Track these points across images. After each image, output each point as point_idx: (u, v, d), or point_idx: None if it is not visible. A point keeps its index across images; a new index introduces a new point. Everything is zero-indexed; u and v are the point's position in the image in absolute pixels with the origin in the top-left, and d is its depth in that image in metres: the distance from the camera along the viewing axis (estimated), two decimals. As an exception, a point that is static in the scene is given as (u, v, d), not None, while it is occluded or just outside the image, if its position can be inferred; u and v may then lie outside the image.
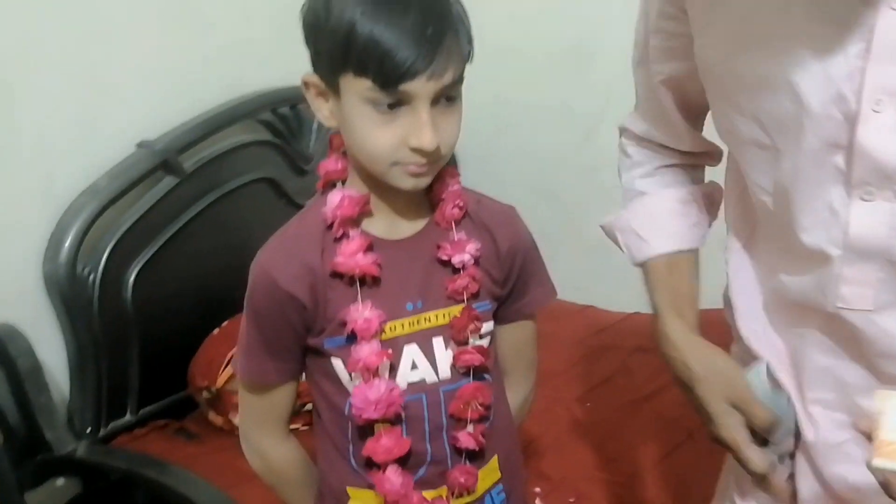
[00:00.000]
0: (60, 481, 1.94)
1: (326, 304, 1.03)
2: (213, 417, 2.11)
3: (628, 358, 2.29)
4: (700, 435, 1.94)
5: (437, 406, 1.07)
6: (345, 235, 1.03)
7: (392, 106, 0.93)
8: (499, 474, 1.13)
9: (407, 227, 1.07)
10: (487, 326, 1.09)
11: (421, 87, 0.92)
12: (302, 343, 1.07)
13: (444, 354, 1.07)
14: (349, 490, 1.09)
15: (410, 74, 0.91)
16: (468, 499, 1.09)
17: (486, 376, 1.10)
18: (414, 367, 1.05)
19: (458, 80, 0.96)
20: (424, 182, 1.01)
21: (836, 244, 0.85)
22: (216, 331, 2.14)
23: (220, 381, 2.05)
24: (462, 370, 1.07)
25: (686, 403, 2.17)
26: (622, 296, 2.66)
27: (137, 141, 2.07)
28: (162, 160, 2.06)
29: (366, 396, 1.02)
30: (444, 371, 1.07)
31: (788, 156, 0.86)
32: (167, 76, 2.15)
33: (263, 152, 2.35)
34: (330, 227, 1.03)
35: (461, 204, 1.07)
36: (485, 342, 1.09)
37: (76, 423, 1.97)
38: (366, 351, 1.01)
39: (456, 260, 1.05)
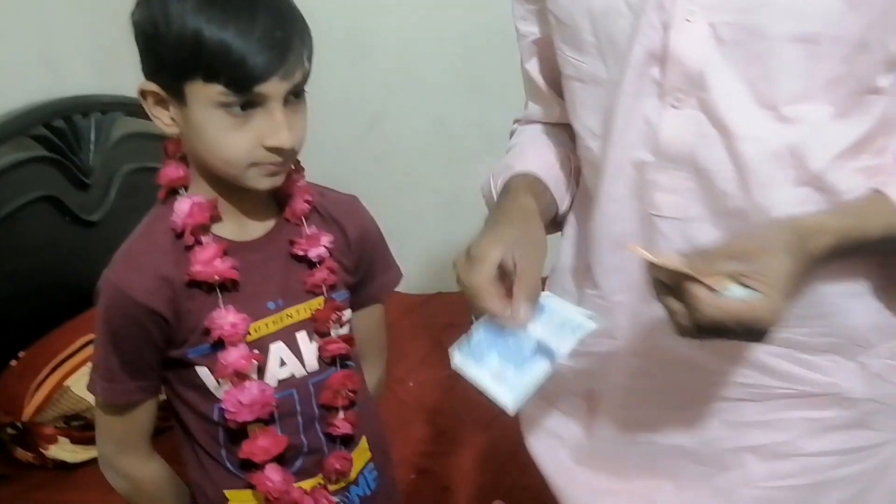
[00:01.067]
0: None
1: (187, 314, 1.03)
2: (21, 454, 1.98)
3: (441, 334, 2.37)
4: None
5: (308, 398, 1.09)
6: (197, 243, 1.03)
7: (244, 107, 0.95)
8: (369, 454, 1.17)
9: (257, 228, 1.08)
10: (347, 315, 1.12)
11: (274, 88, 0.94)
12: (162, 357, 1.06)
13: (309, 348, 1.09)
14: (227, 493, 1.09)
15: (264, 77, 0.93)
16: (344, 482, 1.13)
17: (350, 363, 1.13)
18: (283, 364, 1.08)
19: (305, 78, 0.99)
20: (279, 180, 1.02)
21: (650, 150, 0.90)
22: (14, 362, 2.01)
23: (27, 413, 1.93)
24: (328, 360, 1.10)
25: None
26: (421, 280, 2.76)
27: None
28: (-70, 187, 1.91)
29: (237, 400, 1.03)
30: (312, 364, 1.10)
31: (619, 82, 0.91)
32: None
33: (41, 169, 2.21)
34: (180, 235, 1.03)
35: (309, 198, 1.10)
36: (346, 330, 1.12)
37: None
38: (234, 356, 1.02)
39: (312, 254, 1.08)
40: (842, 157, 0.85)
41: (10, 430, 1.96)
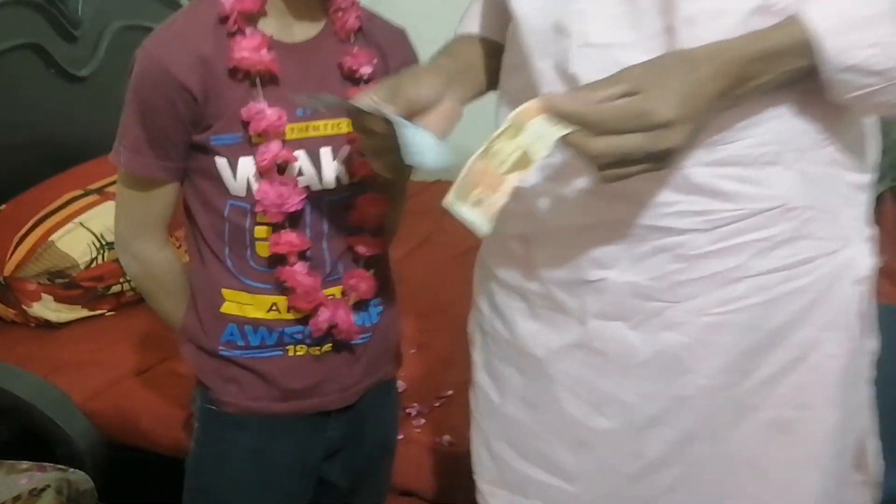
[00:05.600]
0: None
1: (217, 98, 1.00)
2: (3, 310, 1.92)
3: (441, 219, 2.31)
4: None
5: (319, 214, 1.06)
6: (240, 31, 0.99)
7: None
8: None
9: (300, 32, 1.05)
10: None
11: None
12: (187, 140, 1.03)
13: (330, 165, 1.05)
14: (223, 292, 1.08)
15: None
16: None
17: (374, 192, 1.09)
18: (300, 173, 1.04)
19: None
20: None
21: None
22: (-5, 215, 1.91)
23: (9, 268, 1.85)
24: (351, 180, 1.07)
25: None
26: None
27: None
28: None
29: (273, 196, 1.01)
30: (329, 181, 1.06)
31: None
32: None
33: (25, 14, 2.09)
34: (223, 21, 1.00)
35: (360, 15, 1.06)
36: None
37: None
38: (275, 149, 1.00)
39: (364, 71, 1.05)
40: None
41: (-10, 286, 1.87)
